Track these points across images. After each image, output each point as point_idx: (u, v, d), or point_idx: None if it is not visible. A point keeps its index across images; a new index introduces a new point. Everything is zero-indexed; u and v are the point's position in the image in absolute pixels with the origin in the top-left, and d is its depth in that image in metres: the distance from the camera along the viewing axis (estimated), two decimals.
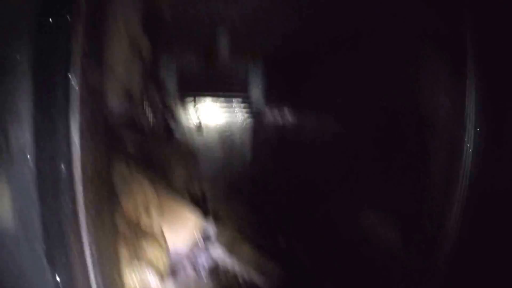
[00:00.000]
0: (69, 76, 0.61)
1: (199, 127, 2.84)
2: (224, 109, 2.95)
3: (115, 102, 1.19)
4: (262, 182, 2.87)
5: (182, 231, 1.33)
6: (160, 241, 1.25)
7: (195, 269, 1.79)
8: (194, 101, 2.80)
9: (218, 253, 1.98)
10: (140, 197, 1.21)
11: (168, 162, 1.46)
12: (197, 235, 2.02)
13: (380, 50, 1.42)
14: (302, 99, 2.51)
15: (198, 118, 2.83)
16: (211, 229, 2.25)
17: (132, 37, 1.32)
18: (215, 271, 1.87)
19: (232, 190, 2.82)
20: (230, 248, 2.03)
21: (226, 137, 2.94)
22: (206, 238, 2.09)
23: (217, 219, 2.29)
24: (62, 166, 0.59)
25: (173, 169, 1.42)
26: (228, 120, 2.96)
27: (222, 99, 2.80)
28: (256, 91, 2.78)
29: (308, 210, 2.48)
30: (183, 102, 2.76)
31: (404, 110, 1.26)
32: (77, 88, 0.62)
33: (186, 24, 1.76)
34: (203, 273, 1.83)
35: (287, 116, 2.81)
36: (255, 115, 2.93)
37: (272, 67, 2.74)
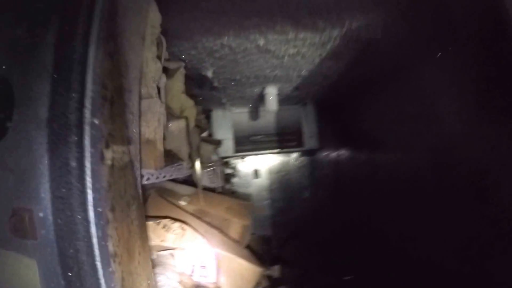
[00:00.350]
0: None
1: (256, 172, 3.03)
2: (280, 155, 3.12)
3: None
4: (322, 220, 2.90)
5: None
6: None
7: None
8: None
9: None
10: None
11: (226, 214, 1.62)
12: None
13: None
14: (354, 138, 2.56)
15: (255, 164, 3.04)
16: (277, 272, 2.33)
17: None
18: None
19: (294, 231, 2.89)
20: None
21: (282, 178, 3.07)
22: (273, 282, 2.18)
23: (282, 262, 2.37)
24: None
25: (230, 221, 1.57)
26: (284, 162, 3.12)
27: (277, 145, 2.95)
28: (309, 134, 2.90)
29: (371, 245, 2.42)
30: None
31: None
32: None
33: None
34: None
35: (341, 154, 2.88)
36: (310, 155, 3.05)
37: (322, 111, 2.89)
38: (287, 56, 1.45)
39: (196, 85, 1.76)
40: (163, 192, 1.57)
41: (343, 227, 2.81)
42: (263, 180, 3.08)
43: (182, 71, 1.41)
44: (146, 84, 0.96)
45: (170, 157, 1.28)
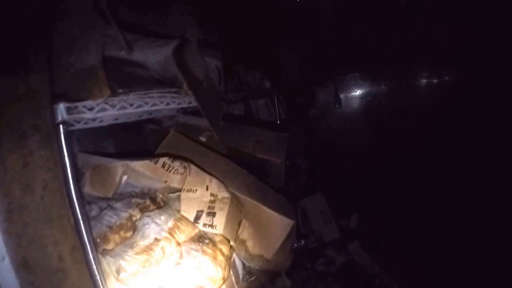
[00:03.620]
0: None
1: (336, 99, 2.53)
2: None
3: None
4: (423, 162, 2.23)
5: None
6: None
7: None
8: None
9: (357, 248, 1.73)
10: None
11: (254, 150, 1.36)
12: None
13: None
14: None
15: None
16: (355, 223, 1.99)
17: None
18: (348, 267, 1.65)
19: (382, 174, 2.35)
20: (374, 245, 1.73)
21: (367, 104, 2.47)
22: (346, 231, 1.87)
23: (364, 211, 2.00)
24: None
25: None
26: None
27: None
28: None
29: None
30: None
31: None
32: None
33: None
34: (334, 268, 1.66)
35: None
36: None
37: None
38: None
39: None
40: (187, 129, 1.43)
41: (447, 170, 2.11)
42: (345, 108, 2.58)
43: None
44: (79, 16, 0.81)
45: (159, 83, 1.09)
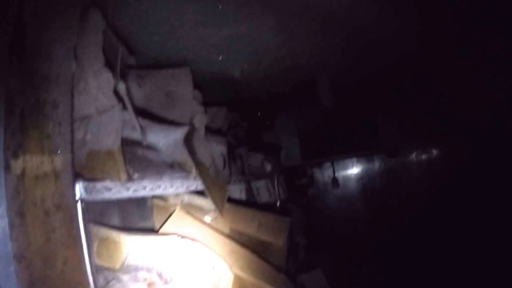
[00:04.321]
0: None
1: (334, 181, 2.65)
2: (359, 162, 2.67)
3: None
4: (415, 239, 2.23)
5: None
6: None
7: None
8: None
9: None
10: None
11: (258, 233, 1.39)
12: None
13: None
14: None
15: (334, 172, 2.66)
16: None
17: None
18: None
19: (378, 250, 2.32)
20: None
21: (363, 186, 2.58)
22: None
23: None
24: None
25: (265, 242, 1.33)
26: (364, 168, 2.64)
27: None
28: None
29: None
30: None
31: None
32: None
33: None
34: None
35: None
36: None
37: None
38: None
39: None
40: (191, 209, 1.49)
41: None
42: (343, 189, 2.68)
43: (187, 73, 1.32)
44: (97, 96, 0.92)
45: (170, 167, 1.20)
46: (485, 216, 1.80)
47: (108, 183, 0.91)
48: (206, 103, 1.45)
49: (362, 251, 2.42)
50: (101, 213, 1.30)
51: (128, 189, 1.00)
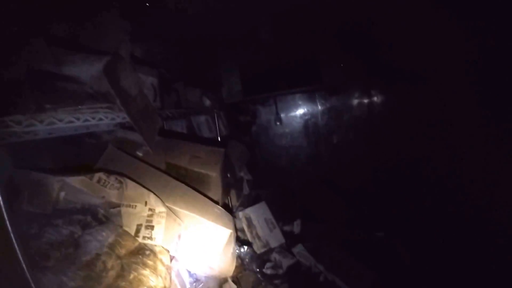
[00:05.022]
0: None
1: (277, 117, 2.69)
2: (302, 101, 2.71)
3: None
4: (354, 170, 2.45)
5: None
6: None
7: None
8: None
9: (301, 251, 1.81)
10: None
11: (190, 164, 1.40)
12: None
13: None
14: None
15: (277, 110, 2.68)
16: (298, 228, 2.09)
17: None
18: (294, 269, 1.72)
19: (320, 183, 2.52)
20: (316, 247, 1.82)
21: (305, 122, 2.67)
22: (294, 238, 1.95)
23: (305, 217, 2.10)
24: None
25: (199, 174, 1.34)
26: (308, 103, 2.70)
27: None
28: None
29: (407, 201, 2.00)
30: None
31: None
32: None
33: None
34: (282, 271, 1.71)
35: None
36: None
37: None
38: None
39: None
40: (124, 144, 1.43)
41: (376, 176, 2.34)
42: (286, 125, 2.75)
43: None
44: None
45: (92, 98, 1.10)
46: (418, 152, 1.97)
47: (17, 117, 0.81)
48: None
49: (305, 184, 2.59)
50: (32, 158, 1.19)
51: (41, 122, 0.91)
